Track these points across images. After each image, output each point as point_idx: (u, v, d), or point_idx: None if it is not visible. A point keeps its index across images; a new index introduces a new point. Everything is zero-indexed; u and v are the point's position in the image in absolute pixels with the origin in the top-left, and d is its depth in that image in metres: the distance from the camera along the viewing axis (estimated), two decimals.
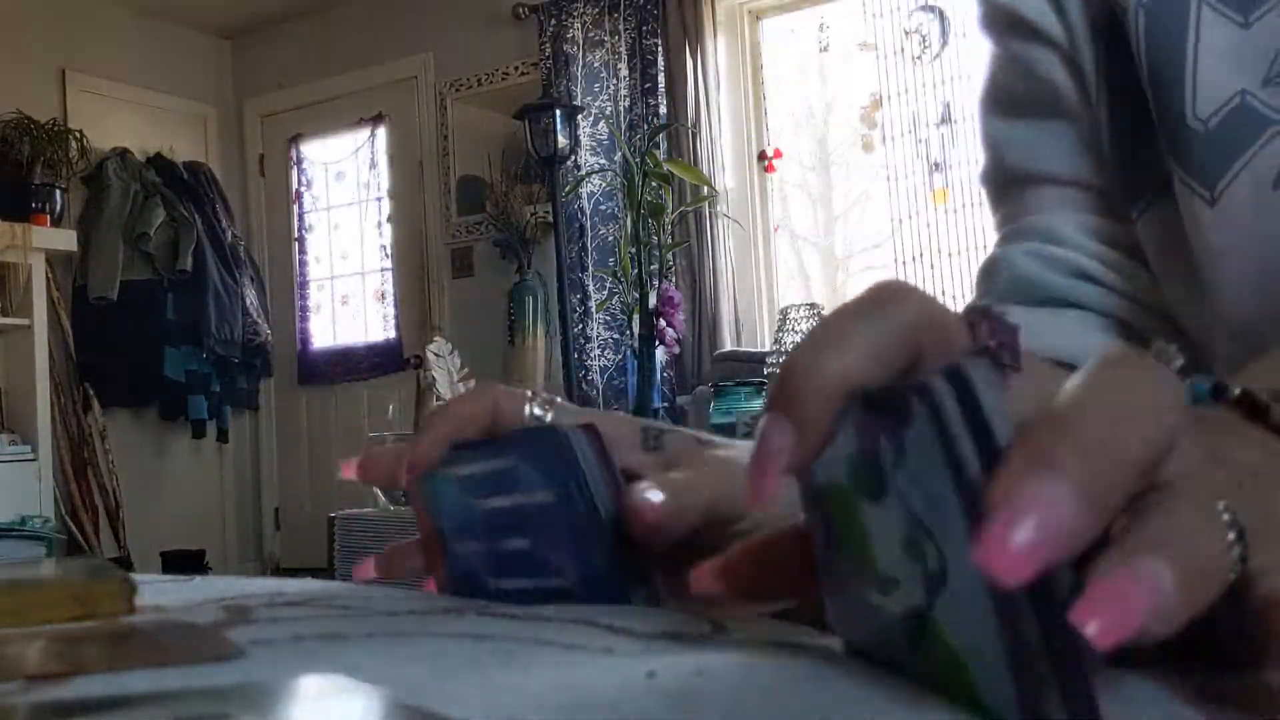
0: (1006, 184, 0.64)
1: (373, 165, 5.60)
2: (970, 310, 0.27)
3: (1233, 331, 0.53)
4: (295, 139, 5.82)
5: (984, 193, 0.68)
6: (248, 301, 5.41)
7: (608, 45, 4.70)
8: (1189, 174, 0.53)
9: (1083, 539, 0.21)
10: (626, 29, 4.65)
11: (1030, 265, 0.60)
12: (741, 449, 0.43)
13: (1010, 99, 0.63)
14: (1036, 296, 0.59)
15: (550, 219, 4.51)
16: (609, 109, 4.66)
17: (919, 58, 4.05)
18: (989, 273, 0.62)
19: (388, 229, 5.54)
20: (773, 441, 0.24)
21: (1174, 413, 0.23)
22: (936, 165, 4.00)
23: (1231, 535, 0.24)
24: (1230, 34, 0.52)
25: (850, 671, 0.25)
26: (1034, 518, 0.20)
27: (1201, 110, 0.52)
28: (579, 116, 4.57)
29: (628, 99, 4.63)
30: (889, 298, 0.26)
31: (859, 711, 0.23)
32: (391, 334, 5.48)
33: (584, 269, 4.62)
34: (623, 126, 4.55)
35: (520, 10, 4.98)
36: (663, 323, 4.03)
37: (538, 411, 0.42)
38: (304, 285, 5.79)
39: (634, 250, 4.12)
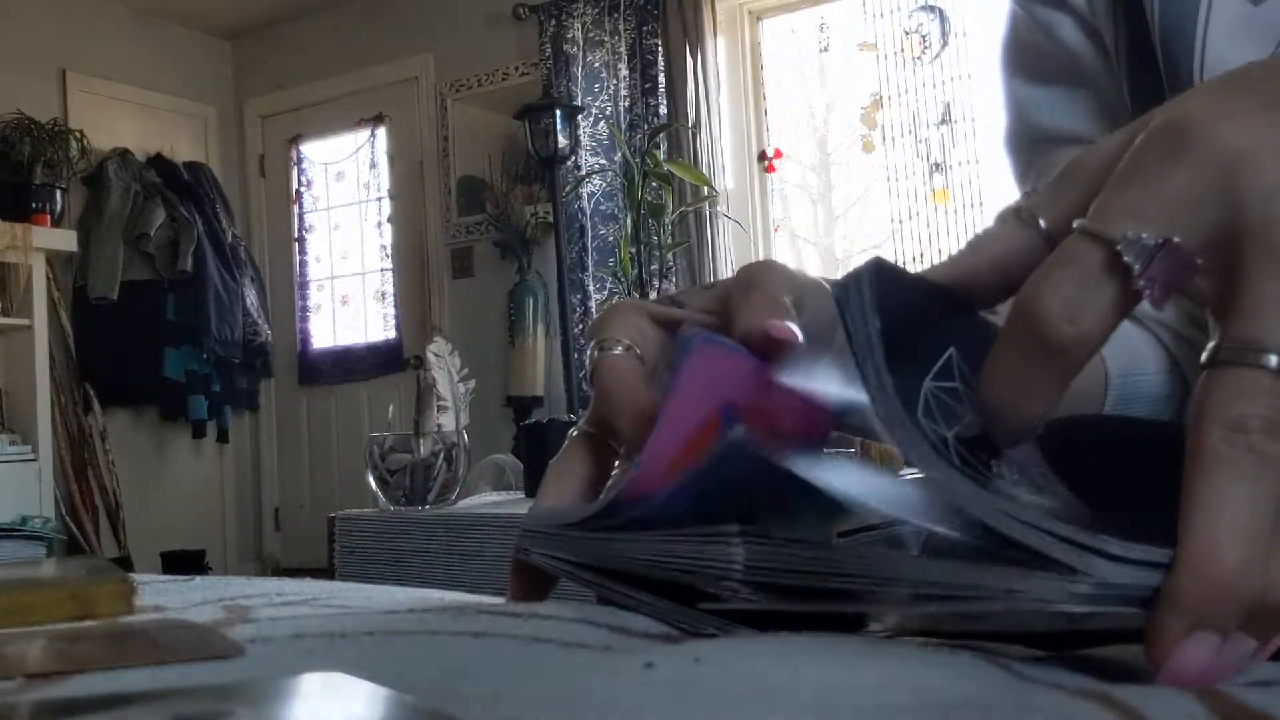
0: (1034, 144, 0.64)
1: (373, 165, 5.60)
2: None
3: None
4: (295, 139, 5.82)
5: (1008, 158, 0.67)
6: (248, 302, 5.40)
7: (608, 45, 4.70)
8: None
9: None
10: (626, 29, 4.65)
11: None
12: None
13: (1031, 60, 0.64)
14: None
15: (550, 219, 4.51)
16: (609, 109, 4.66)
17: (919, 58, 4.05)
18: None
19: (388, 229, 5.54)
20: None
21: None
22: (936, 165, 4.00)
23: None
24: (1241, 10, 0.53)
25: (845, 657, 0.26)
26: None
27: None
28: (579, 116, 4.57)
29: (628, 99, 4.62)
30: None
31: (854, 696, 0.23)
32: (391, 334, 5.48)
33: (584, 269, 4.62)
34: (623, 126, 4.55)
35: (520, 10, 4.97)
36: None
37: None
38: (304, 285, 5.79)
39: (634, 250, 4.11)
